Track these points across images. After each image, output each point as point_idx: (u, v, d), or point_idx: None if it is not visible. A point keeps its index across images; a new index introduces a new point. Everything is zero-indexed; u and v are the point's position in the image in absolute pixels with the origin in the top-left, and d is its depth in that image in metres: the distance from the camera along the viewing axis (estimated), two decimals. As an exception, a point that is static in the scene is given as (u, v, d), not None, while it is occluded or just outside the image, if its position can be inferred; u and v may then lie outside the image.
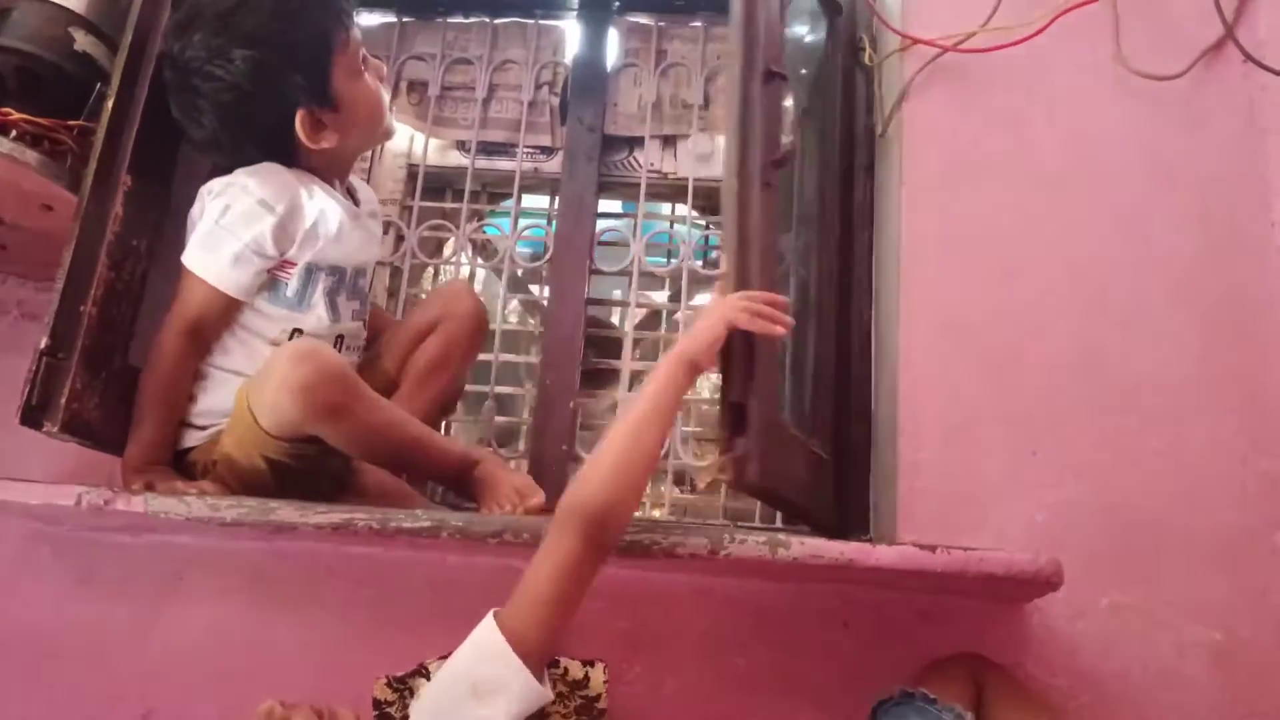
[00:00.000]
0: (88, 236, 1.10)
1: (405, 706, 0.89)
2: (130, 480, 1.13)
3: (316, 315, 1.20)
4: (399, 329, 1.34)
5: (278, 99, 1.16)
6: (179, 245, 1.19)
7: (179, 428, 1.17)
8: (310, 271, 1.19)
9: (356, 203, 1.30)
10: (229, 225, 1.13)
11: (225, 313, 1.16)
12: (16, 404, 1.05)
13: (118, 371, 1.14)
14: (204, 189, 1.18)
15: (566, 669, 0.94)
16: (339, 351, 1.21)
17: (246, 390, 1.10)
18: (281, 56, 1.14)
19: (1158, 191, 1.43)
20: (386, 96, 1.29)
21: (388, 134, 1.36)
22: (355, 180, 1.34)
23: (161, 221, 1.20)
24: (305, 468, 1.12)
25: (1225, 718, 1.22)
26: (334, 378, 1.06)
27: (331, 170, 1.25)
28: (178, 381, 1.15)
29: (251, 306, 1.18)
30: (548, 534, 0.90)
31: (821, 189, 1.41)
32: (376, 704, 0.91)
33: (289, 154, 1.19)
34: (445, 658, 0.89)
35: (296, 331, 1.19)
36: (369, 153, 1.62)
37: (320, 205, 1.19)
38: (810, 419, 1.28)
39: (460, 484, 1.20)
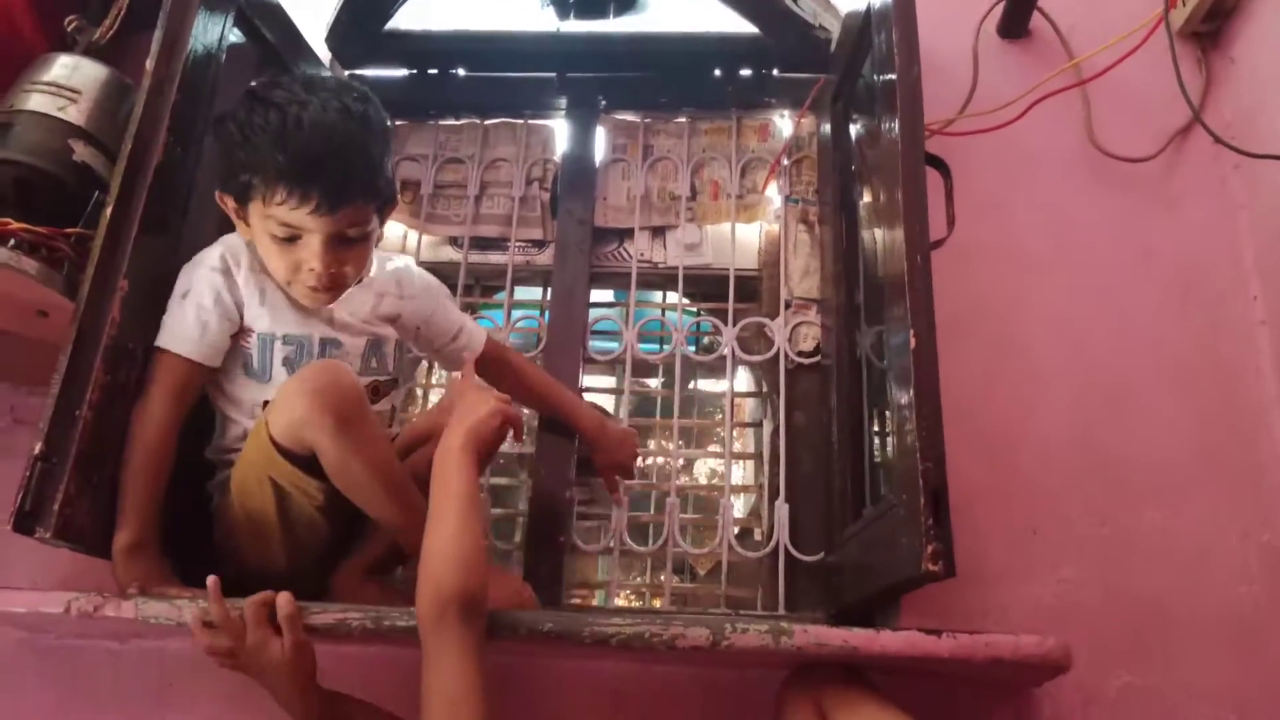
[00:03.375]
0: (84, 342, 1.10)
1: None
2: (123, 564, 1.10)
3: (277, 386, 1.18)
4: (404, 431, 1.32)
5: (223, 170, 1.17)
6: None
7: (162, 506, 1.15)
8: (266, 341, 1.21)
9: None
10: (189, 297, 1.17)
11: (195, 381, 1.18)
12: (5, 509, 1.04)
13: (111, 477, 1.13)
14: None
15: None
16: None
17: (270, 404, 1.13)
18: (230, 142, 1.13)
19: (1138, 270, 1.46)
20: (310, 271, 1.16)
21: (306, 295, 1.19)
22: (392, 268, 1.33)
23: (154, 324, 1.20)
24: (306, 510, 1.13)
25: (1246, 802, 1.19)
26: (348, 388, 1.08)
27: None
28: (159, 457, 1.14)
29: (225, 386, 1.21)
30: (427, 643, 0.92)
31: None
32: None
33: None
34: None
35: (266, 404, 1.18)
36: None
37: (258, 269, 1.20)
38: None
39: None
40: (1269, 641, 1.25)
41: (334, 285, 1.18)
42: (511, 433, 1.14)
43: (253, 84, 1.21)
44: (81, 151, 1.27)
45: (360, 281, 1.26)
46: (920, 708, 1.19)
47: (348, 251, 1.17)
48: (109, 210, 1.14)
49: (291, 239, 1.14)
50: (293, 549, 1.17)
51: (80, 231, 1.22)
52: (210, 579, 1.02)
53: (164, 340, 1.17)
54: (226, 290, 1.18)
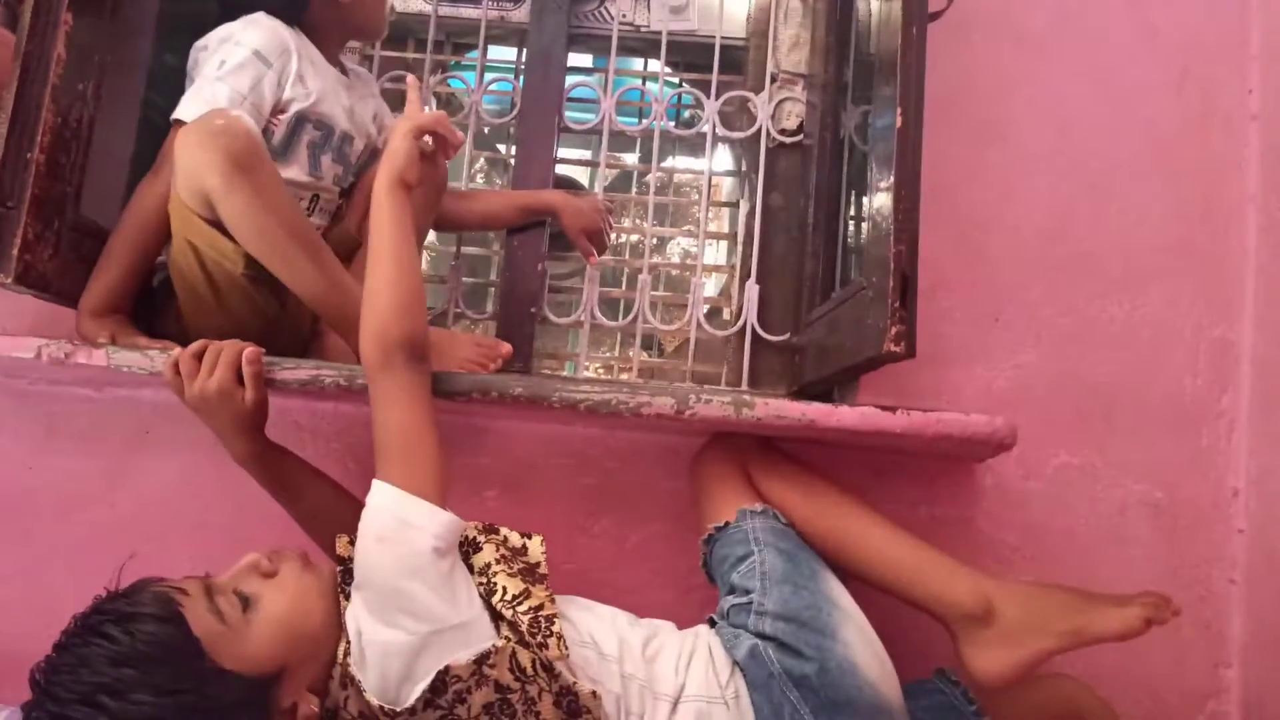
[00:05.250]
0: (30, 79, 1.04)
1: None
2: (86, 325, 1.11)
3: (299, 165, 1.20)
4: (358, 190, 1.32)
5: None
6: (127, 91, 1.15)
7: (143, 278, 1.15)
8: (299, 121, 1.19)
9: (345, 73, 1.30)
10: (225, 77, 1.12)
11: None
12: (-35, 256, 1.02)
13: (70, 223, 1.10)
14: (197, 45, 1.18)
15: (506, 537, 0.97)
16: (311, 211, 1.24)
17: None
18: None
19: (1140, 53, 1.41)
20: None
21: (376, 32, 1.34)
22: (352, 65, 1.36)
23: (106, 65, 1.13)
24: (231, 276, 1.10)
25: (1160, 571, 1.29)
26: (242, 130, 1.03)
27: (325, 37, 1.25)
28: (155, 231, 1.12)
29: None
30: (375, 387, 0.93)
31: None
32: (340, 559, 0.93)
33: (293, 10, 1.21)
34: None
35: None
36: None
37: (311, 59, 1.21)
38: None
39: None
40: (1202, 429, 1.32)
41: None
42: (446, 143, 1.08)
43: None
44: None
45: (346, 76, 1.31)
46: (870, 476, 1.27)
47: None
48: (44, -68, 1.04)
49: None
50: (231, 321, 1.14)
51: (14, -45, 1.12)
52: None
53: (185, 113, 1.10)
54: (268, 82, 1.14)
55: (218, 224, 1.06)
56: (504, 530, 0.97)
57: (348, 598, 0.89)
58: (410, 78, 1.11)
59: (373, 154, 1.35)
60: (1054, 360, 1.33)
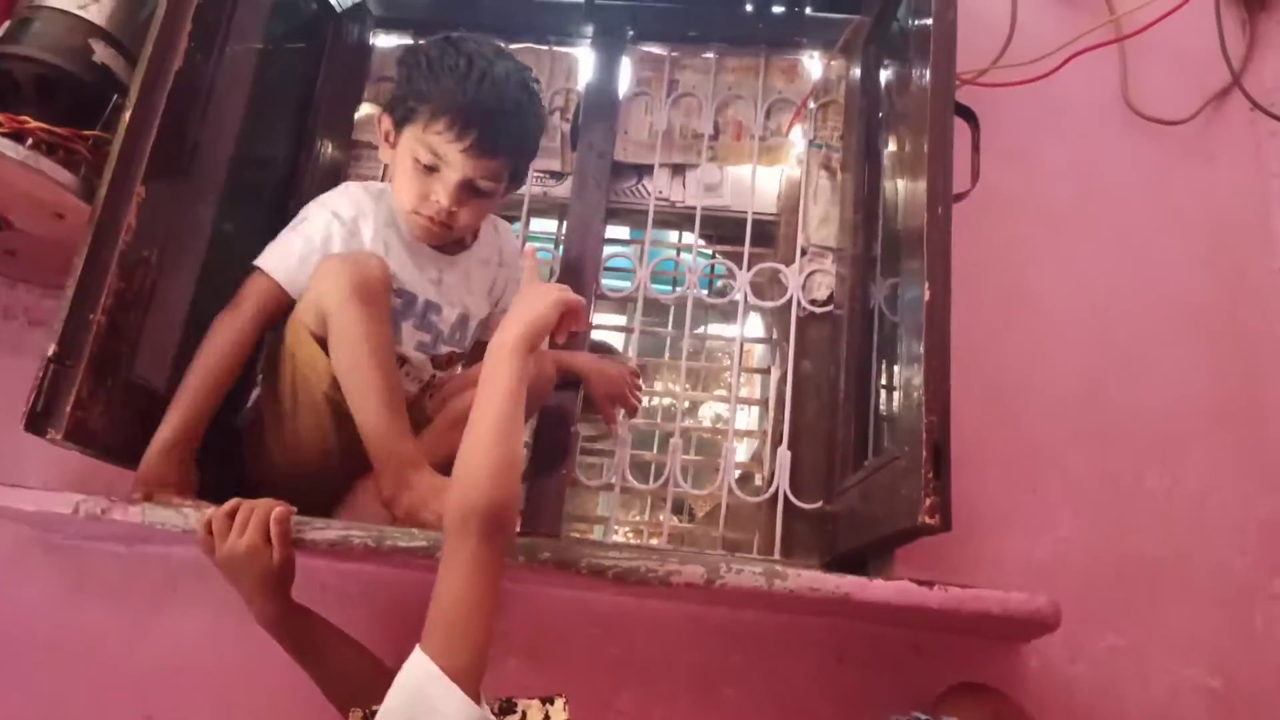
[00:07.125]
0: (100, 246, 1.10)
1: None
2: (155, 459, 1.13)
3: None
4: (452, 377, 1.39)
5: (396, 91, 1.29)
6: (188, 257, 1.22)
7: (212, 416, 1.18)
8: None
9: (445, 249, 1.34)
10: (301, 229, 1.24)
11: (281, 307, 1.22)
12: (17, 408, 1.05)
13: (124, 382, 1.14)
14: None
15: (525, 711, 0.91)
16: None
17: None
18: (415, 71, 1.24)
19: (1165, 230, 1.44)
20: (438, 205, 1.25)
21: (418, 227, 1.27)
22: (488, 232, 1.42)
23: (171, 232, 1.20)
24: (314, 396, 1.16)
25: (1220, 766, 1.21)
26: (376, 269, 1.14)
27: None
28: (225, 367, 1.18)
29: None
30: (445, 549, 0.90)
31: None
32: None
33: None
34: None
35: None
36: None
37: (391, 226, 1.28)
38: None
39: (396, 481, 1.15)
40: (1255, 612, 1.27)
41: (447, 224, 1.26)
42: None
43: (451, 34, 1.28)
44: (102, 53, 1.26)
45: (467, 247, 1.37)
46: (909, 652, 1.22)
47: (471, 200, 1.26)
48: (128, 114, 1.13)
49: (431, 169, 1.23)
50: (295, 442, 1.19)
51: (98, 135, 1.21)
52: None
53: (263, 260, 1.22)
54: (342, 241, 1.23)
55: (323, 344, 1.14)
56: (521, 704, 0.92)
57: None
58: (529, 246, 1.17)
59: (476, 323, 1.39)
60: (1094, 533, 1.29)
